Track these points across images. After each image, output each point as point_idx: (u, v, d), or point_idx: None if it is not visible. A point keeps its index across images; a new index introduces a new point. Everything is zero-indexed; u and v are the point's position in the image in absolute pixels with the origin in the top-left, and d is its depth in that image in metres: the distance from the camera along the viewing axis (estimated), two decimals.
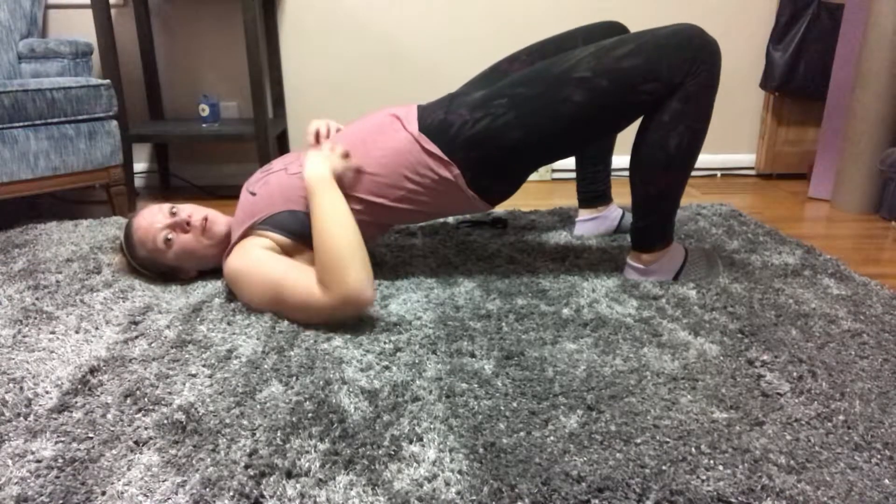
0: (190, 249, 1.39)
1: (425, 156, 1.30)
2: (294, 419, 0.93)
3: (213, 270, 1.48)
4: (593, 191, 1.74)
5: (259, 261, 1.25)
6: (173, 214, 1.38)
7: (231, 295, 1.37)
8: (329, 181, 1.26)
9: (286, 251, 1.32)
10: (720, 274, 1.45)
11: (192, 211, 1.39)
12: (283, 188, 1.34)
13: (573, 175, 2.63)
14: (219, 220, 1.41)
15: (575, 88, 1.23)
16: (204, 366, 1.09)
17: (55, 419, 0.95)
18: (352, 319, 1.23)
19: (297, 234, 1.32)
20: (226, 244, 1.41)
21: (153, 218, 1.38)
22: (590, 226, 1.77)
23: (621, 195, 2.33)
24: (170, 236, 1.37)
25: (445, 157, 1.30)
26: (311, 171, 1.27)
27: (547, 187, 2.52)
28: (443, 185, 1.32)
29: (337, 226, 1.20)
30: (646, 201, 1.35)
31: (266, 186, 1.37)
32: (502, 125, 1.26)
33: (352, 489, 0.80)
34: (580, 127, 1.27)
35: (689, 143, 1.26)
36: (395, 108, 1.40)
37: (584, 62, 1.24)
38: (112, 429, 0.92)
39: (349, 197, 1.32)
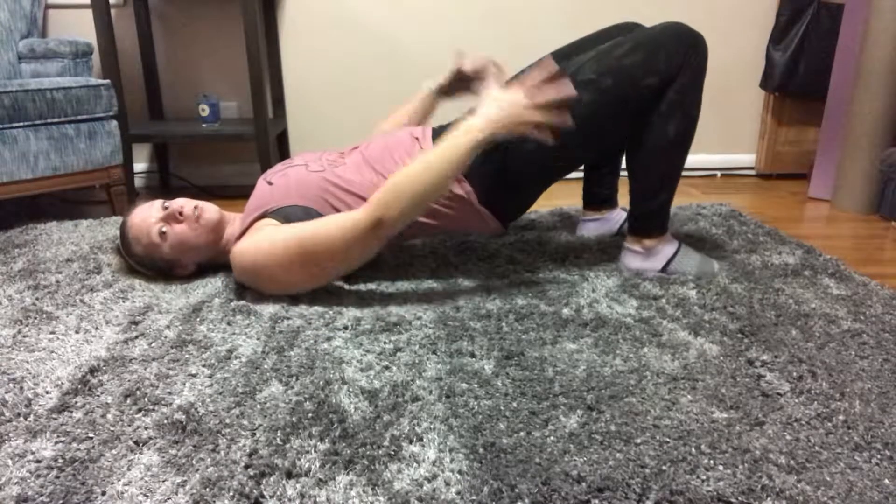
0: (185, 239, 1.39)
1: None
2: (294, 419, 0.93)
3: (212, 267, 1.49)
4: (599, 195, 1.75)
5: (274, 230, 1.28)
6: (165, 208, 1.40)
7: (231, 295, 1.37)
8: (473, 139, 1.19)
9: None
10: (714, 269, 1.46)
11: (182, 202, 1.41)
12: (301, 184, 1.37)
13: (573, 175, 2.63)
14: (209, 207, 1.43)
15: (583, 91, 1.27)
16: (204, 366, 1.09)
17: (55, 419, 0.95)
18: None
19: None
20: (220, 232, 1.43)
21: (146, 213, 1.40)
22: (592, 227, 1.78)
23: (622, 195, 2.33)
24: (164, 229, 1.38)
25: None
26: (476, 121, 1.20)
27: None
28: (455, 202, 1.36)
29: (431, 169, 1.19)
30: (647, 188, 1.40)
31: (284, 178, 1.40)
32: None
33: (352, 489, 0.80)
34: (590, 128, 1.31)
35: (685, 129, 1.34)
36: (414, 128, 1.45)
37: (586, 66, 1.30)
38: (112, 429, 0.92)
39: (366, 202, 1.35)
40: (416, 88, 2.55)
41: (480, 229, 1.43)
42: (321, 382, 1.02)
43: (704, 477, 0.82)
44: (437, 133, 1.39)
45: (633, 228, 1.46)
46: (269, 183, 1.41)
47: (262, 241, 1.27)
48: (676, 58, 1.28)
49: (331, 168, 1.39)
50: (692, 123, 1.34)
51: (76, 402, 0.99)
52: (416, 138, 1.40)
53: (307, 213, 1.33)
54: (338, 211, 1.34)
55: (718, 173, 2.71)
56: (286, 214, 1.33)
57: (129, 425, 0.93)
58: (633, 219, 1.45)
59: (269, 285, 1.31)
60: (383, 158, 1.39)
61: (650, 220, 1.43)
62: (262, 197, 1.39)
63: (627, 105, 1.30)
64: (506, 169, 1.32)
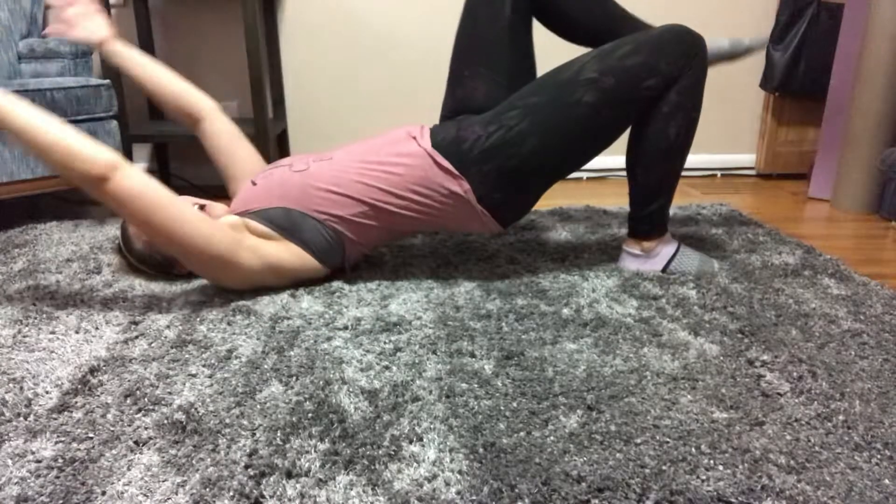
0: None
1: (437, 169, 1.33)
2: (294, 419, 0.93)
3: None
4: None
5: None
6: None
7: (231, 295, 1.36)
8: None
9: (265, 238, 1.35)
10: (714, 269, 1.47)
11: (184, 200, 1.40)
12: (283, 184, 1.37)
13: (574, 175, 2.63)
14: (216, 206, 1.44)
15: (585, 90, 1.27)
16: (204, 366, 1.09)
17: (55, 419, 0.95)
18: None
19: (285, 229, 1.34)
20: None
21: None
22: None
23: (622, 196, 2.34)
24: None
25: (456, 172, 1.32)
26: None
27: None
28: (452, 200, 1.35)
29: (42, 133, 1.13)
30: (647, 190, 1.40)
31: (267, 180, 1.41)
32: (517, 134, 1.30)
33: (352, 489, 0.80)
34: (592, 128, 1.31)
35: (686, 131, 1.34)
36: (411, 127, 1.43)
37: (588, 65, 1.29)
38: (112, 429, 0.92)
39: (355, 201, 1.34)
40: (416, 88, 2.56)
41: (479, 230, 1.42)
42: (321, 382, 1.02)
43: (704, 477, 0.82)
44: (435, 132, 1.38)
45: (632, 230, 1.46)
46: (254, 184, 1.43)
47: None
48: (678, 60, 1.28)
49: (315, 166, 1.39)
50: (693, 125, 1.34)
51: (76, 402, 0.99)
52: (413, 137, 1.38)
53: (287, 214, 1.34)
54: (321, 212, 1.34)
55: (718, 173, 2.71)
56: (268, 216, 1.35)
57: (129, 425, 0.93)
58: (632, 221, 1.45)
59: (202, 272, 1.32)
60: (374, 152, 1.37)
61: (649, 222, 1.43)
62: (243, 197, 1.41)
63: (629, 105, 1.30)
64: (507, 169, 1.32)
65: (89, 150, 1.14)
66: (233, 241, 1.27)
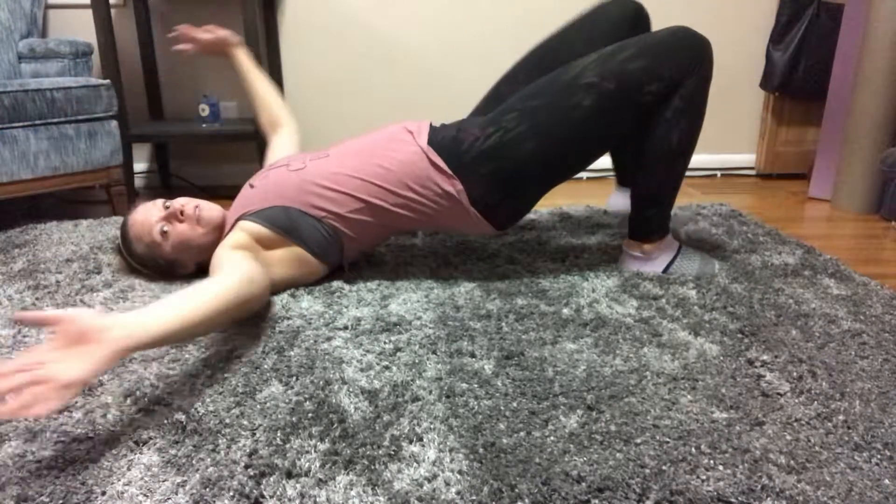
0: (186, 239, 1.40)
1: (431, 168, 1.33)
2: (294, 419, 0.93)
3: None
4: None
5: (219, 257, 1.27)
6: (167, 208, 1.40)
7: None
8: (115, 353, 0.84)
9: (266, 243, 1.33)
10: (715, 270, 1.46)
11: (184, 202, 1.41)
12: (279, 184, 1.38)
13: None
14: (210, 207, 1.43)
15: (584, 94, 1.26)
16: (204, 366, 1.09)
17: (55, 419, 0.95)
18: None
19: (284, 229, 1.33)
20: (220, 232, 1.43)
21: (148, 212, 1.41)
22: (622, 202, 1.80)
23: None
24: (165, 228, 1.38)
25: (449, 171, 1.32)
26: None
27: None
28: (445, 200, 1.35)
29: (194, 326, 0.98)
30: (649, 194, 1.39)
31: (264, 181, 1.41)
32: (515, 137, 1.29)
33: (352, 489, 0.80)
34: (591, 132, 1.30)
35: (689, 136, 1.32)
36: (409, 122, 1.43)
37: (589, 68, 1.28)
38: (112, 429, 0.92)
39: (352, 198, 1.34)
40: (416, 88, 2.56)
41: (474, 232, 1.42)
42: (321, 382, 1.02)
43: (704, 477, 0.82)
44: (435, 131, 1.37)
45: (633, 232, 1.45)
46: (252, 186, 1.43)
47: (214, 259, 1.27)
48: (683, 65, 1.25)
49: (311, 164, 1.39)
50: (696, 131, 1.33)
51: (76, 402, 0.99)
52: (410, 132, 1.38)
53: (286, 212, 1.34)
54: (319, 208, 1.34)
55: (718, 173, 2.71)
56: (266, 216, 1.34)
57: (129, 425, 0.93)
58: (632, 223, 1.44)
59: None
60: (370, 148, 1.37)
61: (650, 225, 1.42)
62: (241, 200, 1.41)
63: (630, 110, 1.28)
64: (504, 172, 1.31)
65: (231, 282, 1.08)
66: (261, 266, 1.25)
